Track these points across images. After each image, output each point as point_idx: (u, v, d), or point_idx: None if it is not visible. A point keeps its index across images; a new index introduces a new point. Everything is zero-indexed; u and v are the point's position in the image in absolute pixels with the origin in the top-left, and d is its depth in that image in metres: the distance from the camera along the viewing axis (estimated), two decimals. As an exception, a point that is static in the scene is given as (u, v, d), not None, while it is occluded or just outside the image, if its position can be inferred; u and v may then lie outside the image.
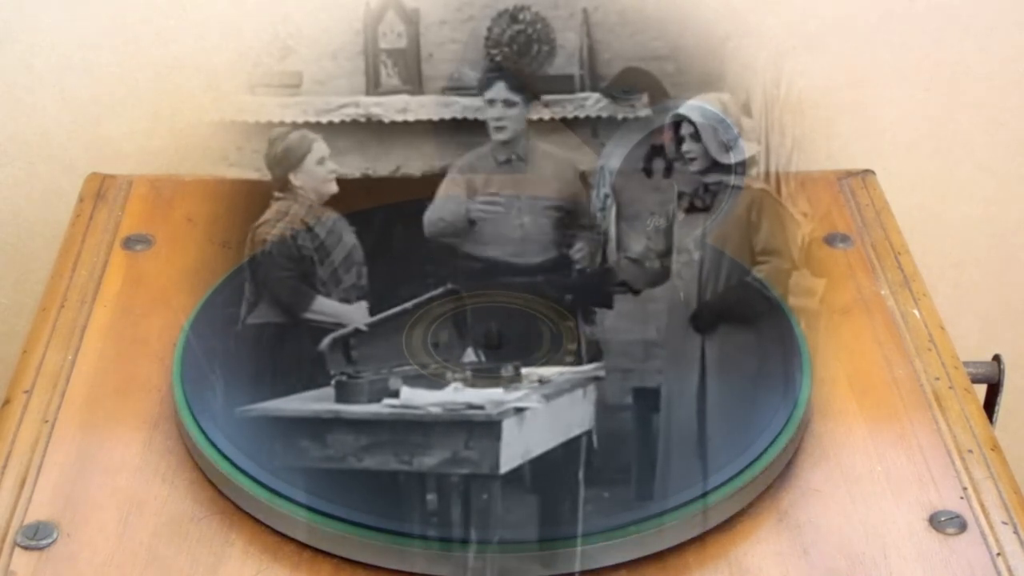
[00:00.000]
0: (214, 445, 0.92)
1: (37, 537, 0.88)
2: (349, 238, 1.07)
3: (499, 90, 1.10)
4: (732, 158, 1.02)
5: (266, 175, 1.08)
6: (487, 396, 0.91)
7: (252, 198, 1.21)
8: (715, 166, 1.02)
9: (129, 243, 1.16)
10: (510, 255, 1.10)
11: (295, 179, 1.07)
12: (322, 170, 1.07)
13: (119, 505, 0.91)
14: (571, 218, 1.12)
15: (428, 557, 0.86)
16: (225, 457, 0.92)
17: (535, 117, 1.21)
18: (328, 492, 0.88)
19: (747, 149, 1.04)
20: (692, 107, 1.03)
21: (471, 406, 0.89)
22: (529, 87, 1.12)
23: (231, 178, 1.24)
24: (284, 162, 1.07)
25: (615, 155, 1.05)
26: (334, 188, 1.08)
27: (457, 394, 0.92)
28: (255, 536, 0.89)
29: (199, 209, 1.21)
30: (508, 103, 1.10)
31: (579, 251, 1.08)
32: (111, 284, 1.11)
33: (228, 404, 0.95)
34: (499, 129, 1.11)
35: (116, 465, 0.94)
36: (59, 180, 1.32)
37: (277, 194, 1.07)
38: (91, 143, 1.31)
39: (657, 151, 1.05)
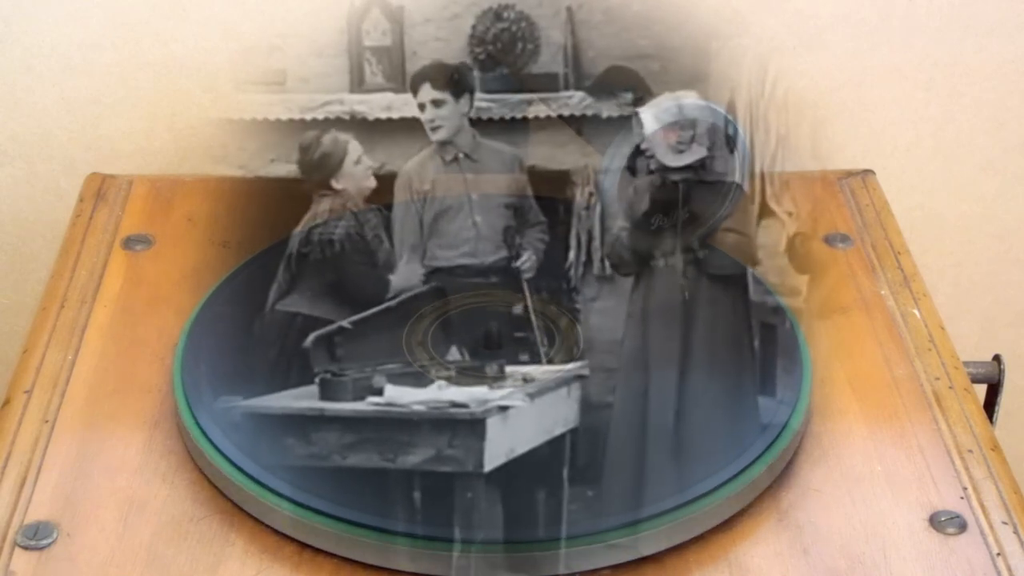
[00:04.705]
0: (214, 445, 0.92)
1: (37, 537, 0.88)
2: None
3: (425, 92, 1.10)
4: (735, 158, 1.01)
5: (251, 172, 1.09)
6: (471, 394, 0.91)
7: (252, 198, 1.21)
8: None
9: (129, 243, 1.16)
10: (465, 256, 1.10)
11: (337, 183, 1.07)
12: (361, 168, 1.08)
13: (119, 505, 0.91)
14: (521, 215, 1.12)
15: (427, 557, 0.86)
16: (225, 457, 0.92)
17: (532, 115, 1.21)
18: (329, 492, 0.88)
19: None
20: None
21: (455, 404, 0.89)
22: (457, 81, 1.12)
23: (231, 178, 1.25)
24: (323, 168, 1.07)
25: (618, 155, 1.05)
26: (373, 183, 1.09)
27: (441, 392, 0.92)
28: (255, 536, 0.89)
29: (199, 209, 1.21)
30: (436, 103, 1.11)
31: (526, 261, 1.08)
32: (111, 284, 1.11)
33: (227, 404, 0.95)
34: (434, 130, 1.11)
35: (116, 465, 0.94)
36: (59, 180, 1.32)
37: (322, 192, 1.08)
38: (91, 143, 1.31)
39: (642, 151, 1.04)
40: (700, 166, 0.99)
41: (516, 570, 0.86)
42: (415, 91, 1.12)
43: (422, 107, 1.11)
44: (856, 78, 1.32)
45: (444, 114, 1.11)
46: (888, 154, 1.35)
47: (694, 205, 1.01)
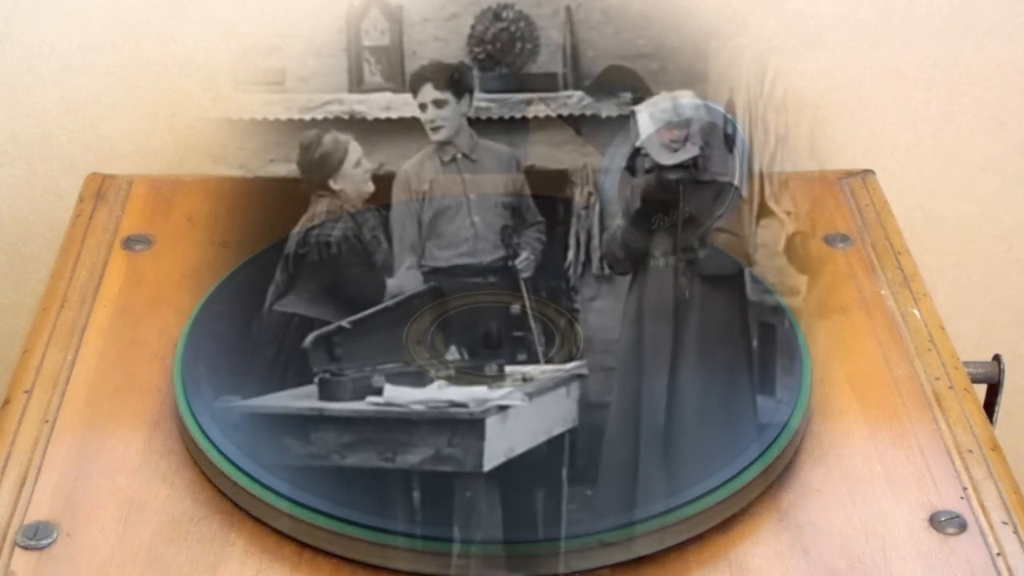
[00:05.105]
0: (214, 445, 0.92)
1: (37, 537, 0.88)
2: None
3: (427, 92, 1.10)
4: (734, 158, 1.01)
5: (251, 172, 1.08)
6: (470, 394, 0.91)
7: (252, 198, 1.21)
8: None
9: (129, 243, 1.16)
10: (463, 256, 1.10)
11: (335, 184, 1.07)
12: (360, 171, 1.08)
13: (119, 505, 0.91)
14: (518, 214, 1.12)
15: (427, 557, 0.86)
16: (225, 457, 0.92)
17: (531, 115, 1.21)
18: (328, 492, 0.88)
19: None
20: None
21: (454, 404, 0.90)
22: (458, 81, 1.12)
23: (231, 178, 1.25)
24: (323, 169, 1.07)
25: (618, 155, 1.05)
26: (371, 187, 1.09)
27: (440, 392, 0.92)
28: (255, 536, 0.89)
29: (199, 209, 1.21)
30: (438, 103, 1.10)
31: (524, 260, 1.08)
32: (111, 284, 1.11)
33: (227, 404, 0.95)
34: (435, 130, 1.11)
35: (116, 465, 0.94)
36: (59, 180, 1.32)
37: (319, 192, 1.08)
38: (91, 143, 1.31)
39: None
40: (693, 165, 0.99)
41: (515, 569, 0.86)
42: (415, 91, 1.11)
43: (423, 107, 1.11)
44: (856, 78, 1.32)
45: (445, 114, 1.11)
46: (888, 154, 1.35)
47: (691, 205, 1.01)
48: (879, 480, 0.94)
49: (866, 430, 0.99)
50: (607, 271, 1.06)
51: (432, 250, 1.10)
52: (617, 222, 1.02)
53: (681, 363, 0.99)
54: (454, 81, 1.11)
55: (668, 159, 0.98)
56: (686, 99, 0.99)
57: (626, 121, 1.00)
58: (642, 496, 0.90)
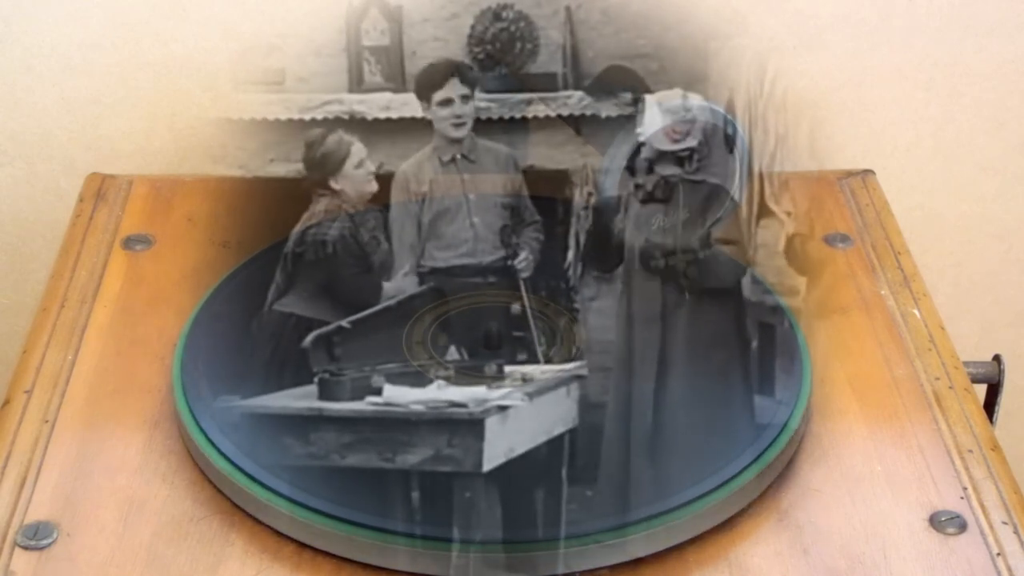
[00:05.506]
0: (214, 445, 0.92)
1: (37, 537, 0.88)
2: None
3: (454, 87, 1.09)
4: (734, 159, 1.01)
5: (250, 172, 1.08)
6: (470, 394, 0.91)
7: (252, 198, 1.21)
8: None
9: (129, 243, 1.16)
10: (463, 256, 1.10)
11: (335, 183, 1.07)
12: (361, 172, 1.08)
13: (119, 505, 0.91)
14: (517, 214, 1.12)
15: (427, 557, 0.86)
16: (225, 457, 0.92)
17: (531, 115, 1.21)
18: (328, 492, 0.88)
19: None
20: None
21: (454, 404, 0.90)
22: (475, 79, 1.11)
23: (231, 178, 1.25)
24: (323, 167, 1.07)
25: (618, 156, 1.05)
26: (374, 187, 1.08)
27: (440, 392, 0.92)
28: (255, 536, 0.89)
29: (199, 209, 1.21)
30: (465, 98, 1.10)
31: (523, 260, 1.08)
32: (111, 284, 1.11)
33: (227, 404, 0.95)
34: (459, 126, 1.09)
35: (116, 465, 0.94)
36: (59, 180, 1.32)
37: (320, 191, 1.08)
38: (91, 143, 1.31)
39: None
40: (689, 158, 0.99)
41: (515, 570, 0.86)
42: (438, 86, 1.09)
43: (448, 102, 1.09)
44: (856, 78, 1.32)
45: (469, 110, 1.10)
46: (888, 154, 1.35)
47: (689, 208, 1.01)
48: (879, 480, 0.94)
49: (866, 430, 0.99)
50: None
51: (432, 251, 1.10)
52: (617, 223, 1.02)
53: (672, 364, 0.99)
54: (474, 78, 1.10)
55: (667, 146, 0.98)
56: (695, 100, 0.99)
57: (626, 121, 1.00)
58: (642, 496, 0.90)
